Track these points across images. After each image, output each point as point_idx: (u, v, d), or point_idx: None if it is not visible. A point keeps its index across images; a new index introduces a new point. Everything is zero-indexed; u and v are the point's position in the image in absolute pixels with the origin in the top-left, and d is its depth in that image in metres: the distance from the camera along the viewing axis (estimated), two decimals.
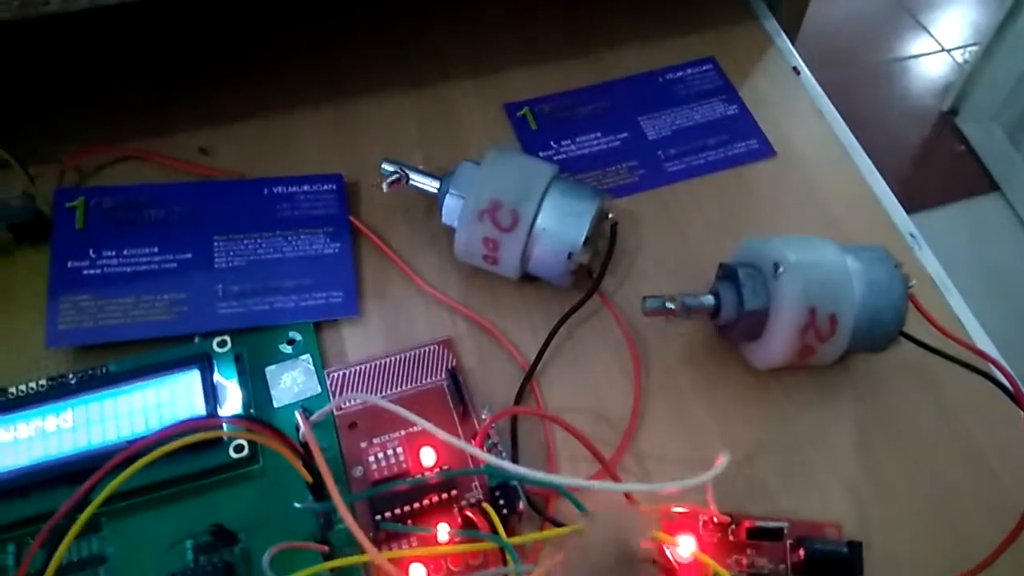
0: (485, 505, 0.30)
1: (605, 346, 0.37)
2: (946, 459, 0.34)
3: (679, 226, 0.41)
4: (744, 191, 0.42)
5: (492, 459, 0.26)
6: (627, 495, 0.31)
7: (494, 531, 0.29)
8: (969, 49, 1.52)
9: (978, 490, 0.34)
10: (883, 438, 0.35)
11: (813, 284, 0.32)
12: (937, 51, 1.54)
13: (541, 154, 0.43)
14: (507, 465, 0.26)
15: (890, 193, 0.43)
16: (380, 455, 0.33)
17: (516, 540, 0.28)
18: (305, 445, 0.31)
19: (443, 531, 0.30)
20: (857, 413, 0.36)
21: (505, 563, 0.28)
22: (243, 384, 0.33)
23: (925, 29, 1.58)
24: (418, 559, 0.30)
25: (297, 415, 0.30)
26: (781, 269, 0.32)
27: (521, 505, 0.30)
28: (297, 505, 0.30)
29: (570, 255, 0.35)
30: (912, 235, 0.41)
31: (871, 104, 1.44)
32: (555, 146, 0.43)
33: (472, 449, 0.28)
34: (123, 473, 0.25)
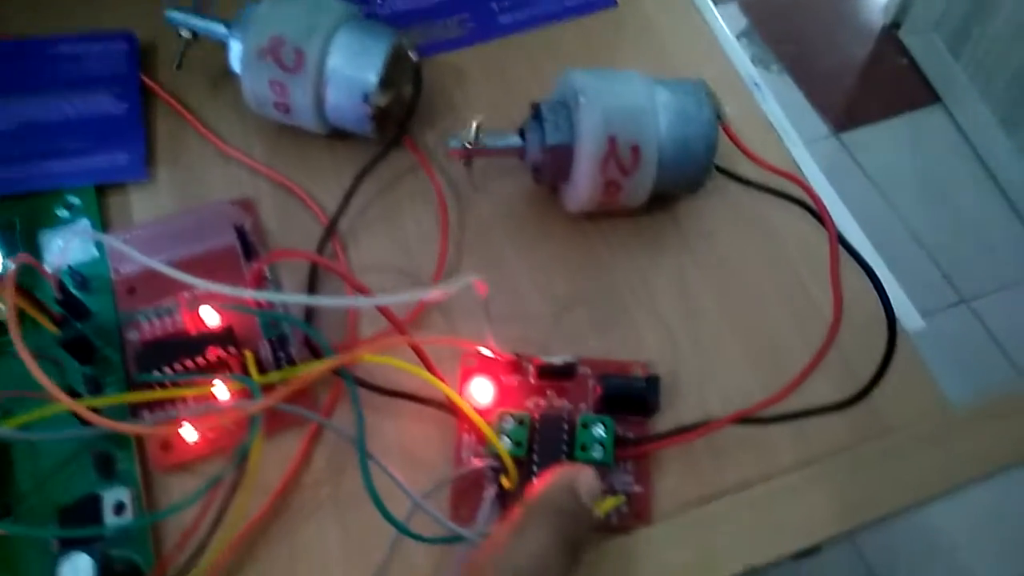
0: (246, 352, 0.28)
1: (420, 203, 0.35)
2: (766, 292, 0.33)
3: (509, 80, 0.38)
4: (582, 43, 0.40)
5: (228, 290, 0.24)
6: (399, 327, 0.28)
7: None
8: None
9: (797, 319, 0.32)
10: (705, 279, 0.33)
11: (613, 112, 0.30)
12: None
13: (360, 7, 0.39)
14: (246, 292, 0.23)
15: (734, 42, 0.40)
16: (153, 316, 0.30)
17: (263, 379, 0.26)
18: (63, 308, 0.29)
19: (210, 385, 0.28)
20: (680, 257, 0.34)
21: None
22: (5, 248, 0.30)
23: None
24: (189, 420, 0.28)
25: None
26: (581, 98, 0.30)
27: (294, 352, 0.28)
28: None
29: (366, 97, 0.32)
30: (756, 84, 0.38)
31: (816, 20, 1.40)
32: (379, 0, 0.40)
33: (228, 289, 0.25)
34: None
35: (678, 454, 0.29)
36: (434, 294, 0.23)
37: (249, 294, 0.24)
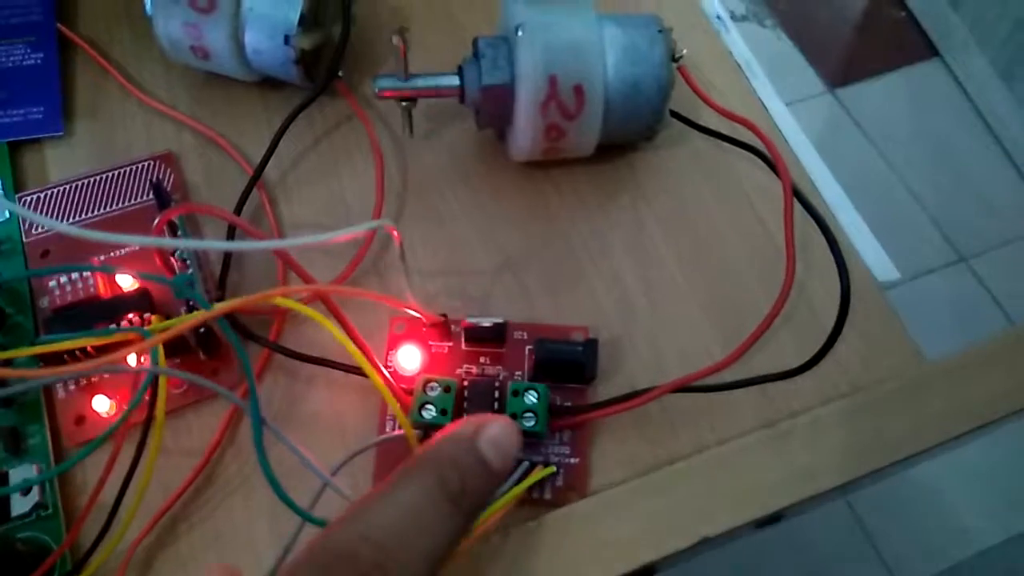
0: (153, 316, 0.25)
1: (358, 155, 0.32)
2: (728, 247, 0.30)
3: (455, 15, 0.36)
4: None
5: (113, 238, 0.22)
6: (303, 275, 0.26)
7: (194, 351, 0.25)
8: None
9: (761, 275, 0.29)
10: (663, 233, 0.31)
11: (554, 48, 0.27)
12: None
13: None
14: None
15: None
16: (64, 280, 0.28)
17: (160, 325, 0.24)
18: None
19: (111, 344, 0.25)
20: (638, 209, 0.31)
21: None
22: None
23: None
24: (102, 392, 0.27)
25: None
26: (520, 33, 0.27)
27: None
28: None
29: (287, 38, 0.30)
30: (719, 17, 0.36)
31: None
32: None
33: (138, 239, 0.23)
34: None
35: (631, 421, 0.27)
36: (337, 238, 0.20)
37: (120, 238, 0.22)
